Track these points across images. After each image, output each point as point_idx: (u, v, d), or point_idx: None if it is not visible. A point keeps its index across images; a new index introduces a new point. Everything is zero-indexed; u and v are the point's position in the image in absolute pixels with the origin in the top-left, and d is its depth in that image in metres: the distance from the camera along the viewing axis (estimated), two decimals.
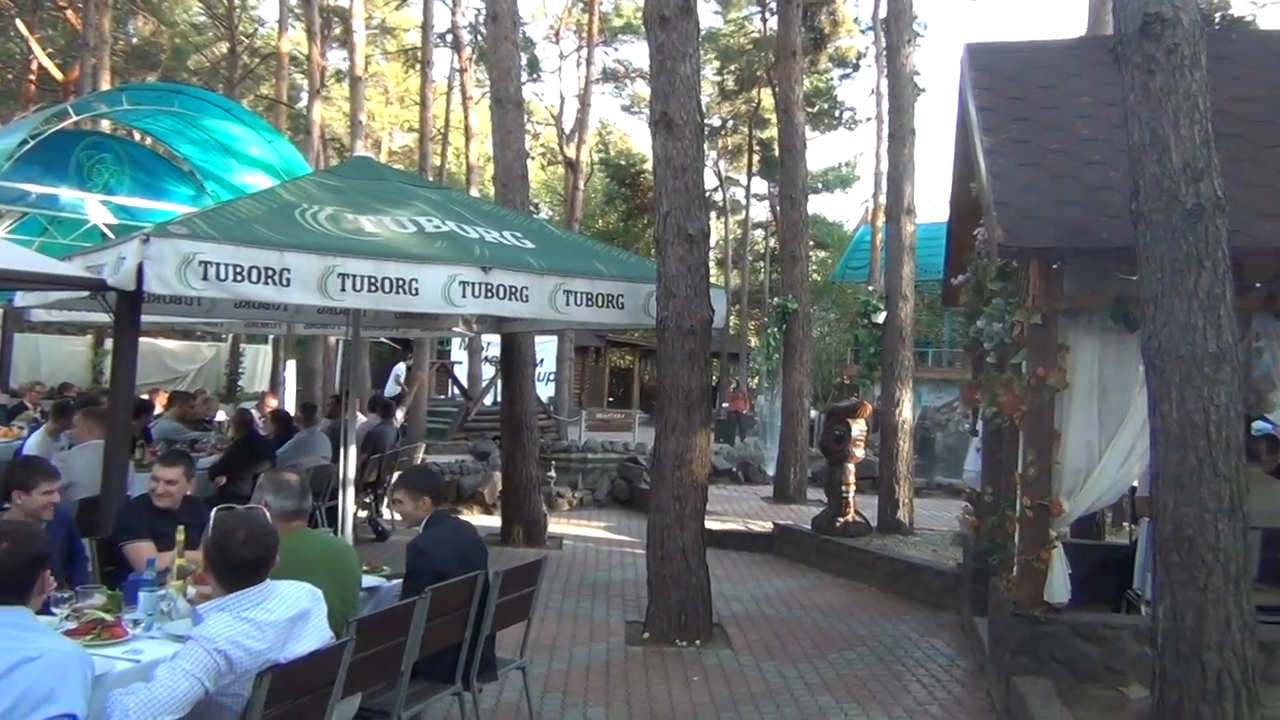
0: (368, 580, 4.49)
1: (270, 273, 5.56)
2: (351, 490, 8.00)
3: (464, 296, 6.25)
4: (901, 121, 10.61)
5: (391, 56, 35.99)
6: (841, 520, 9.63)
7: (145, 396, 11.24)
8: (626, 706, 5.43)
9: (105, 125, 16.11)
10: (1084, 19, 11.08)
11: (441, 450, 16.58)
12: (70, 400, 9.96)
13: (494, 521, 10.54)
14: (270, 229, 5.86)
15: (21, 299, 7.54)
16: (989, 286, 5.89)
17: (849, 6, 31.76)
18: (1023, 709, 4.76)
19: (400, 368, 20.05)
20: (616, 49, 37.43)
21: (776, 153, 15.86)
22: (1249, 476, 4.23)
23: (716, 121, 35.69)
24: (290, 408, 12.68)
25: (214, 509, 3.60)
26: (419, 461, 11.57)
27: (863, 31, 31.41)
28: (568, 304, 6.83)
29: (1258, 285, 5.10)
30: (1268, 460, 6.30)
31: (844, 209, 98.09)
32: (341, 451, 8.00)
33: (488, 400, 22.18)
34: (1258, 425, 6.81)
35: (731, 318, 34.18)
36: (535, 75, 33.44)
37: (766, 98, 30.75)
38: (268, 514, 3.61)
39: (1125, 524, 7.94)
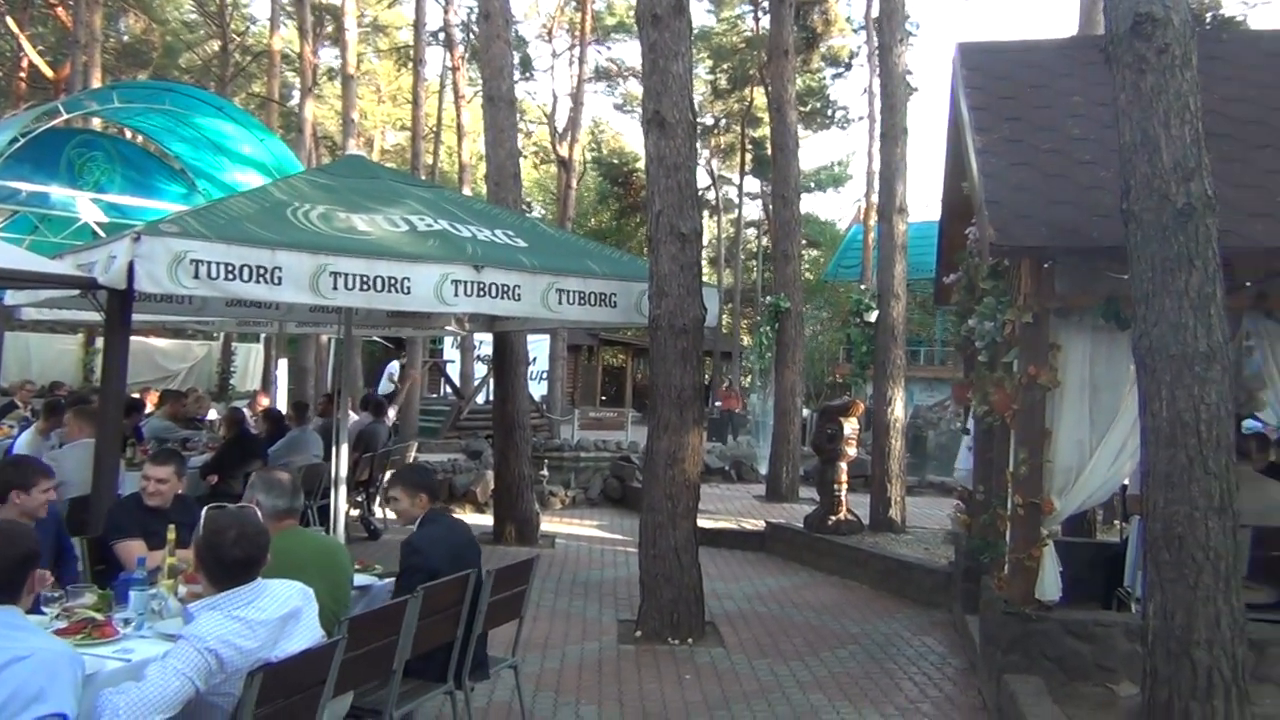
0: (360, 579, 4.48)
1: (262, 271, 5.55)
2: (344, 489, 8.01)
3: (456, 295, 6.24)
4: (894, 121, 10.65)
5: (384, 55, 35.92)
6: (834, 518, 9.64)
7: (136, 395, 11.23)
8: (618, 705, 5.43)
9: (96, 123, 16.02)
10: (1075, 19, 11.10)
11: (434, 449, 16.55)
12: (61, 399, 9.90)
13: (486, 520, 10.54)
14: (262, 227, 5.84)
15: (12, 297, 7.49)
16: (981, 285, 5.90)
17: (841, 6, 31.71)
18: (1014, 706, 4.78)
19: (395, 366, 20.01)
20: (609, 48, 37.56)
21: (769, 151, 15.89)
22: (1239, 475, 4.25)
23: (709, 120, 35.68)
24: (282, 406, 12.68)
25: (205, 508, 3.60)
26: (411, 460, 11.56)
27: (855, 31, 31.49)
28: (560, 303, 6.82)
29: (1248, 284, 5.12)
30: (1258, 458, 6.34)
31: (836, 208, 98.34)
32: (333, 450, 8.00)
33: (480, 399, 22.13)
34: (1248, 424, 6.85)
35: (724, 316, 34.10)
36: (528, 74, 33.44)
37: (759, 96, 30.79)
38: (259, 513, 3.60)
39: (1116, 522, 7.96)
